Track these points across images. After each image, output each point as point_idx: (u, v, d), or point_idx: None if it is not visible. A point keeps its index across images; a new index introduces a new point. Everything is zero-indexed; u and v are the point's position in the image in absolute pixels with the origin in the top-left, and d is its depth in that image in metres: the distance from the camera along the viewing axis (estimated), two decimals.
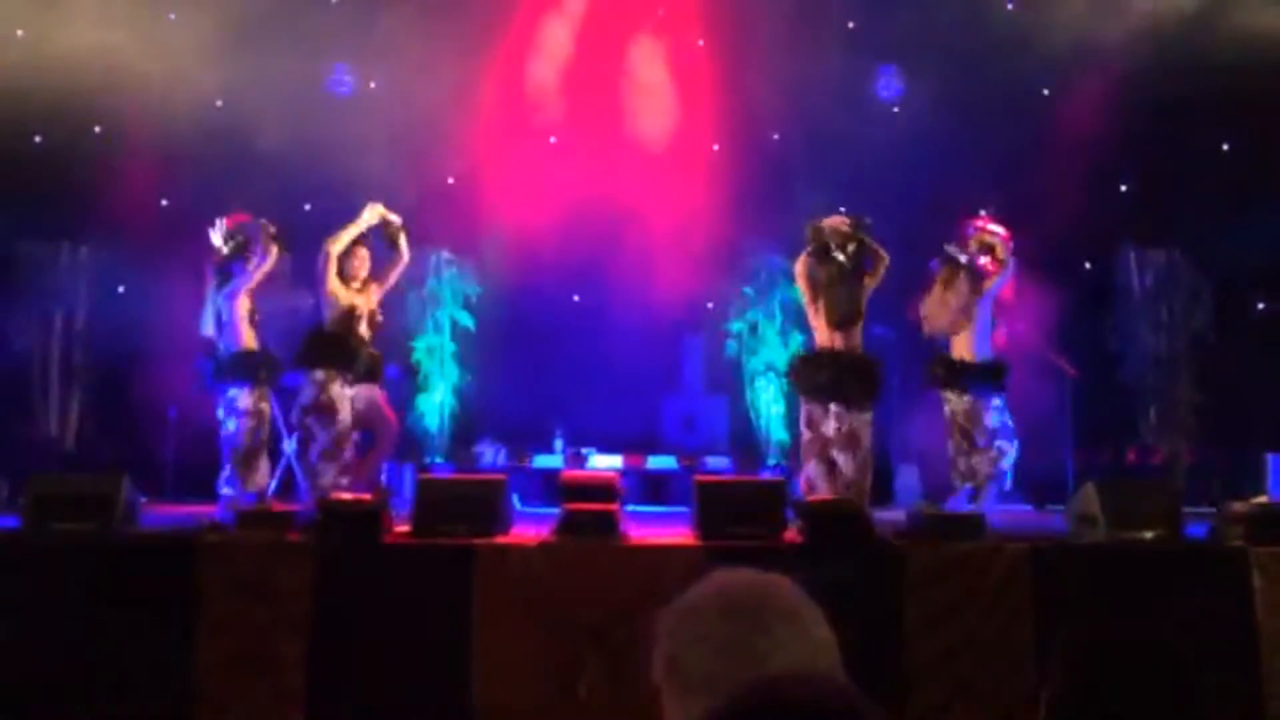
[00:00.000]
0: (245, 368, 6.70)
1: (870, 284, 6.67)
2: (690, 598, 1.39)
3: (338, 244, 6.79)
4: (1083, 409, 8.81)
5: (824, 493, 6.25)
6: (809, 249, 6.75)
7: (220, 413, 6.70)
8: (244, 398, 6.66)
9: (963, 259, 7.06)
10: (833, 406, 6.46)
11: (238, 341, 6.74)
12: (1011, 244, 7.24)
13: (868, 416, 6.49)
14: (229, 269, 6.84)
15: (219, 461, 6.74)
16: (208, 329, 6.79)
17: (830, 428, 6.45)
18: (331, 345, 6.70)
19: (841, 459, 6.38)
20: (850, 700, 1.08)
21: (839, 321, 6.56)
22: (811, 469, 6.46)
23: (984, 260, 7.12)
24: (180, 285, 9.31)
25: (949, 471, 7.02)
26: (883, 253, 6.65)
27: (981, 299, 7.05)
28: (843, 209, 7.34)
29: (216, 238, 6.85)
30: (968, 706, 4.83)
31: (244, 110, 8.84)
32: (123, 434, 9.20)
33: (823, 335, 6.66)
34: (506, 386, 9.84)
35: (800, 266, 6.85)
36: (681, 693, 1.34)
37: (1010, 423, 6.98)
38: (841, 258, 6.59)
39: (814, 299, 6.69)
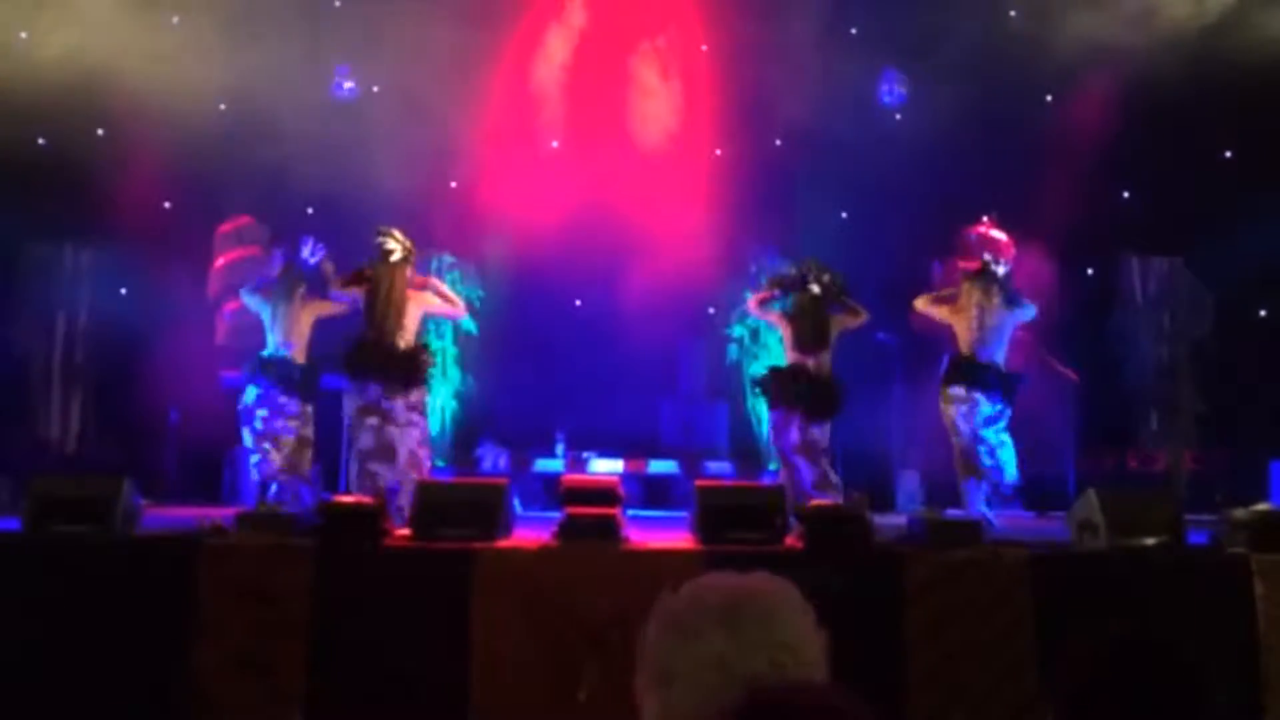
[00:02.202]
0: (311, 382, 7.03)
1: (845, 324, 6.94)
2: (668, 606, 1.39)
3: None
4: (1085, 416, 8.81)
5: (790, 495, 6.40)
6: (771, 283, 7.11)
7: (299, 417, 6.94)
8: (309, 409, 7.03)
9: (1001, 270, 6.96)
10: (796, 418, 6.77)
11: (303, 354, 7.00)
12: (1013, 250, 7.22)
13: (826, 429, 6.82)
14: (310, 283, 7.06)
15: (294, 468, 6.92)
16: (282, 336, 6.95)
17: (793, 436, 6.76)
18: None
19: (802, 464, 6.70)
20: (837, 703, 1.07)
21: (808, 347, 6.85)
22: (780, 474, 6.81)
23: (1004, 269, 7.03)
24: (183, 288, 9.33)
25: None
26: (861, 311, 6.94)
27: (1014, 308, 6.99)
28: (844, 214, 7.35)
29: (306, 251, 7.02)
30: (967, 713, 4.82)
31: (247, 113, 8.85)
32: (124, 436, 9.21)
33: (792, 355, 6.97)
34: (508, 390, 9.84)
35: (753, 304, 7.24)
36: (667, 703, 1.33)
37: None
38: (816, 289, 6.84)
39: (788, 322, 6.97)
